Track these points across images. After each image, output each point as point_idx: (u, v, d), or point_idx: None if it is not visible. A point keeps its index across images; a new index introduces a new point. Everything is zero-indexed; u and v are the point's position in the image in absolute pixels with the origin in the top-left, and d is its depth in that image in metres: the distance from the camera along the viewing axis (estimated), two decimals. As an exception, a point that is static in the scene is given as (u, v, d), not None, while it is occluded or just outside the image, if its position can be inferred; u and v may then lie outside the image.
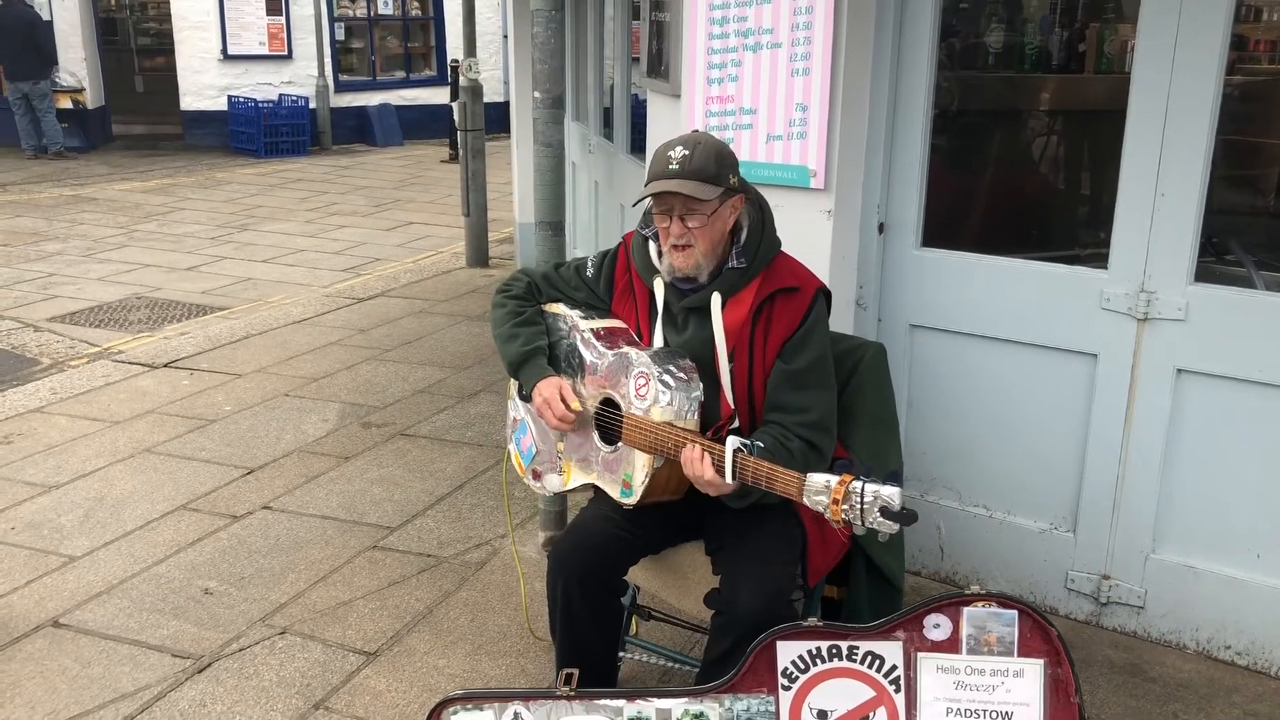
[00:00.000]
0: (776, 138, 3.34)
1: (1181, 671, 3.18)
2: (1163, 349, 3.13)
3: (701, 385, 2.53)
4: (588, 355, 2.70)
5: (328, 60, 16.39)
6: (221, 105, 15.90)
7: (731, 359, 2.56)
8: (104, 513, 4.12)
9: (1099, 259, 3.19)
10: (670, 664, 3.02)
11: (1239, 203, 3.42)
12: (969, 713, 2.35)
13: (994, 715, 2.34)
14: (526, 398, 2.73)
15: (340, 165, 15.08)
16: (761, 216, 2.62)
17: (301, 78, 16.37)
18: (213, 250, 9.45)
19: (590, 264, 2.82)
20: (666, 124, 3.79)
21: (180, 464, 4.60)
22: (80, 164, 14.44)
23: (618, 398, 2.60)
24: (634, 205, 2.65)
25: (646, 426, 2.47)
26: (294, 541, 3.90)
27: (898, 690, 2.37)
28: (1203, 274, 3.08)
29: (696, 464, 2.37)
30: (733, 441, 2.34)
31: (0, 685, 3.04)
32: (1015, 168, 3.48)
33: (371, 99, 17.21)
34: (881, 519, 2.15)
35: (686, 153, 2.47)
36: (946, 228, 3.48)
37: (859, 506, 2.16)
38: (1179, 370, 3.12)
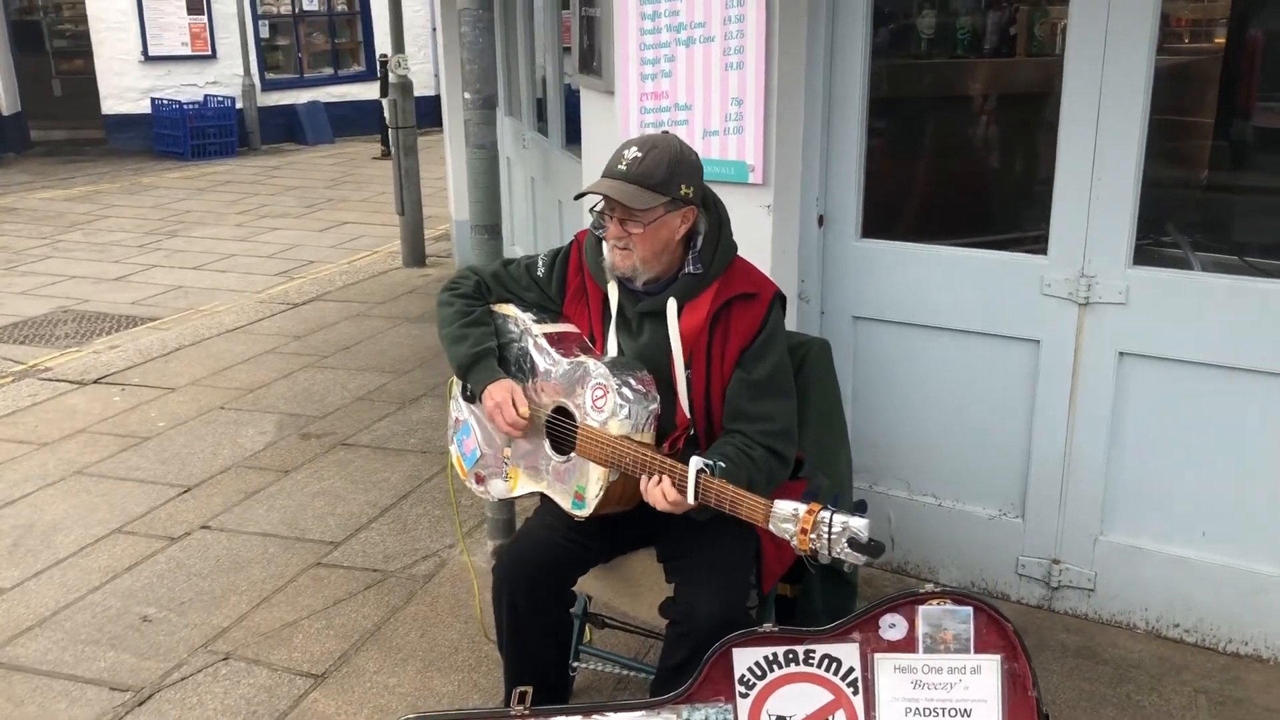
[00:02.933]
0: (713, 133, 3.30)
1: (1133, 652, 3.20)
2: (1104, 333, 3.13)
3: (659, 398, 2.48)
4: (541, 361, 2.62)
5: (253, 58, 16.10)
6: (145, 108, 15.55)
7: (688, 366, 2.50)
8: (34, 540, 3.98)
9: (1039, 245, 3.19)
10: (625, 671, 2.98)
11: (1174, 184, 3.44)
12: (928, 711, 2.33)
13: (953, 713, 2.32)
14: (472, 399, 2.66)
15: (270, 166, 14.81)
16: (719, 222, 2.56)
17: (227, 77, 16.06)
18: (141, 259, 9.23)
19: (541, 263, 2.73)
20: (601, 121, 3.73)
21: (114, 485, 4.46)
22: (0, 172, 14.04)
23: (572, 408, 2.53)
24: (575, 199, 2.59)
25: (603, 440, 2.41)
26: (235, 562, 3.80)
27: (856, 692, 2.35)
28: (1141, 257, 3.09)
29: (656, 495, 2.31)
30: (696, 462, 2.27)
31: (-71, 730, 2.92)
32: (954, 155, 3.47)
33: (300, 97, 16.94)
34: (849, 550, 2.10)
35: (639, 155, 2.39)
36: (886, 218, 3.46)
37: (827, 537, 2.11)
38: (1121, 353, 3.13)
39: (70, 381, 5.86)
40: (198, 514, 4.18)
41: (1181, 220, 3.35)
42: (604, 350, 2.61)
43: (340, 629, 3.37)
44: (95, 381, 5.84)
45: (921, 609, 2.31)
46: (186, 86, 15.67)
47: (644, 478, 2.33)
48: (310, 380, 5.77)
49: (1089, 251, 3.10)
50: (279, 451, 4.79)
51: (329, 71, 17.55)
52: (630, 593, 2.74)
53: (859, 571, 2.95)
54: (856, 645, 2.34)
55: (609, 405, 2.42)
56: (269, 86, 16.61)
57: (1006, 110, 3.40)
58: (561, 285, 2.68)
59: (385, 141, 13.89)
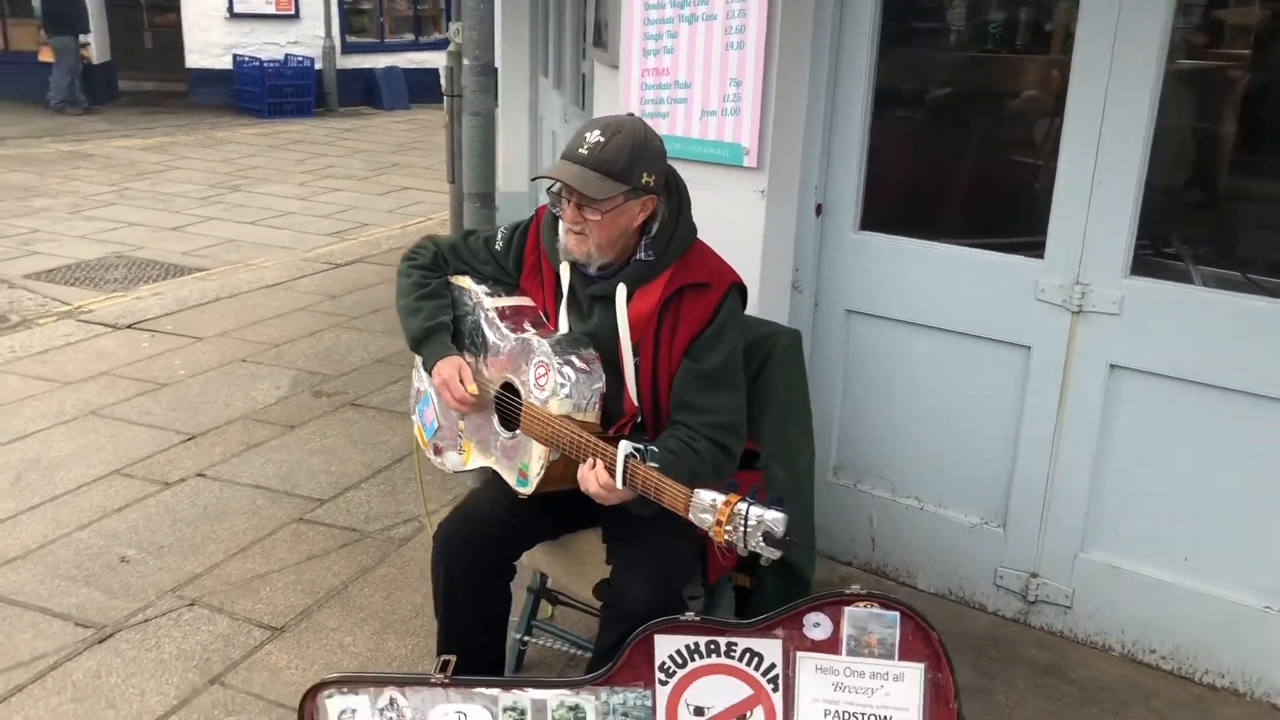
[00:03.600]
0: (711, 113, 3.24)
1: (1104, 674, 3.10)
2: (1096, 343, 3.02)
3: (604, 376, 2.44)
4: (491, 336, 2.61)
5: (335, 21, 16.30)
6: (227, 64, 15.85)
7: (636, 353, 2.45)
8: (36, 476, 4.09)
9: (1037, 249, 3.08)
10: (576, 650, 2.96)
11: (1183, 193, 3.29)
12: (847, 715, 2.27)
13: (873, 719, 2.26)
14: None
15: (343, 128, 15.01)
16: (679, 208, 2.50)
17: (308, 38, 16.28)
18: (201, 210, 9.41)
19: (500, 237, 2.70)
20: (608, 96, 3.69)
21: (123, 428, 4.56)
22: (83, 120, 14.42)
23: (518, 384, 2.51)
24: (532, 181, 2.55)
25: (544, 418, 2.39)
26: (221, 511, 3.85)
27: (776, 689, 2.30)
28: (1141, 267, 2.97)
29: (589, 479, 2.27)
30: (625, 446, 2.23)
31: (-103, 649, 3.01)
32: (960, 151, 3.36)
33: (379, 61, 17.13)
34: (764, 544, 2.05)
35: (601, 140, 2.33)
36: (886, 211, 3.37)
37: (742, 529, 2.06)
38: (1112, 366, 3.02)
39: (105, 325, 5.99)
40: (196, 462, 4.25)
41: (1186, 231, 3.20)
42: (555, 327, 2.57)
43: (308, 584, 3.40)
44: (129, 326, 5.97)
45: (847, 610, 2.26)
46: (268, 45, 15.93)
47: (584, 464, 2.29)
48: (334, 339, 5.84)
49: (1085, 258, 2.99)
50: (288, 407, 4.85)
51: (409, 38, 17.72)
52: (577, 571, 2.72)
53: (814, 568, 2.90)
54: (779, 642, 2.29)
55: (550, 384, 2.40)
56: (349, 49, 16.81)
57: (1018, 109, 3.28)
58: (519, 260, 2.65)
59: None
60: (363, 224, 9.20)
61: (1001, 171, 3.31)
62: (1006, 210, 3.31)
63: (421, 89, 17.27)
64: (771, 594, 2.80)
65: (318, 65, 16.04)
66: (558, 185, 2.38)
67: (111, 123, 14.33)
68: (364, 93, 16.92)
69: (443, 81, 8.79)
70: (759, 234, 3.25)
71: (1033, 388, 3.15)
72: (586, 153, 2.33)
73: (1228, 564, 2.97)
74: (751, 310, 3.15)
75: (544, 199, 2.53)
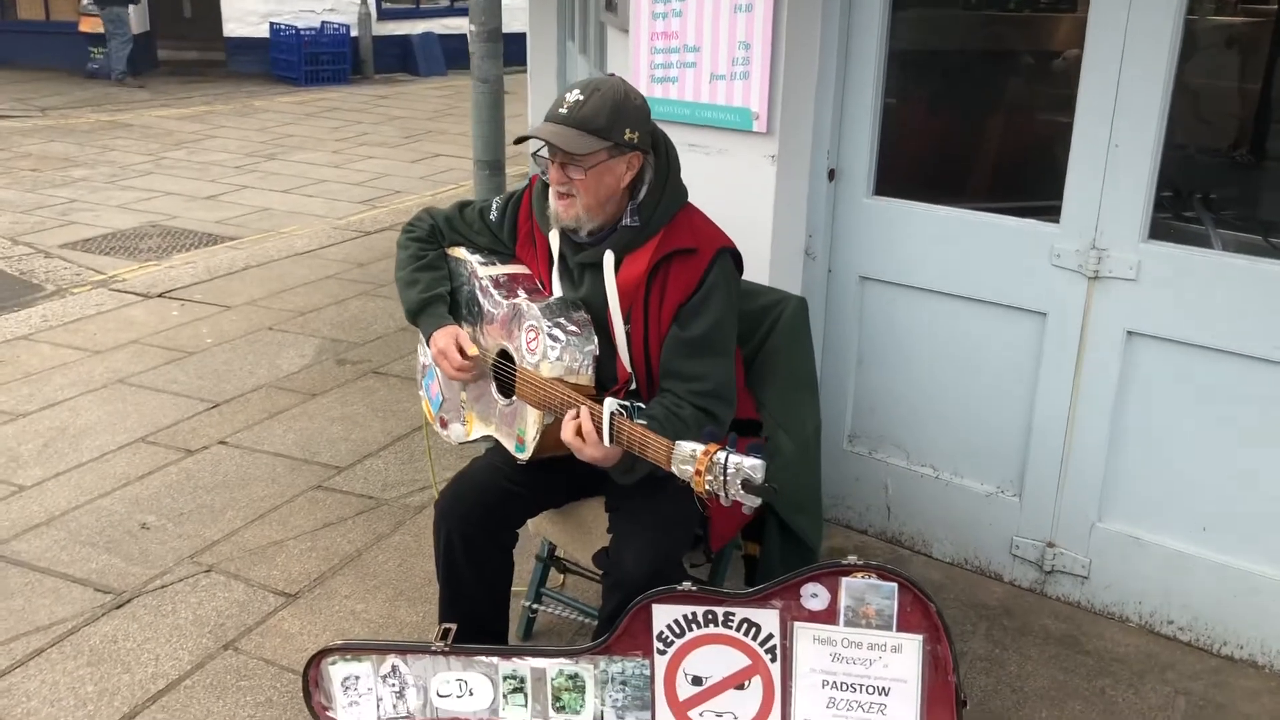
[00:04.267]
0: (720, 77, 3.19)
1: (1120, 645, 3.06)
2: (1112, 310, 2.96)
3: (596, 339, 2.43)
4: (486, 304, 2.60)
5: (371, -13, 16.28)
6: (264, 32, 15.90)
7: (627, 320, 2.43)
8: (63, 443, 4.15)
9: (1053, 213, 3.02)
10: (585, 619, 2.97)
11: (1205, 155, 3.21)
12: (845, 686, 2.26)
13: (870, 690, 2.25)
14: None
15: (379, 95, 15.03)
16: (667, 172, 2.46)
17: (344, 5, 16.29)
18: (236, 179, 9.48)
19: (495, 207, 2.69)
20: (620, 60, 3.65)
21: (149, 396, 4.61)
22: (123, 90, 14.55)
23: (512, 350, 2.51)
24: (515, 143, 2.52)
25: (537, 382, 2.38)
26: (241, 478, 3.90)
27: (774, 660, 2.29)
28: (1160, 231, 2.90)
29: (570, 429, 2.26)
30: (610, 403, 2.23)
31: (-77, 613, 3.08)
32: (976, 113, 3.29)
33: (415, 27, 17.11)
34: (743, 492, 2.03)
35: (580, 98, 2.32)
36: (900, 175, 3.31)
37: (722, 478, 2.04)
38: (1129, 333, 2.95)
39: (137, 294, 6.06)
40: (219, 429, 4.29)
41: (1206, 194, 3.12)
42: (550, 295, 2.56)
43: (323, 551, 3.44)
44: (160, 295, 6.04)
45: (845, 581, 2.24)
46: (304, 13, 15.96)
47: (566, 419, 2.28)
48: (360, 308, 5.86)
49: (1101, 222, 2.92)
50: (312, 375, 4.88)
51: (445, 3, 17.67)
52: (581, 539, 2.72)
53: (823, 537, 2.88)
54: (777, 612, 2.28)
55: (540, 347, 2.39)
56: (385, 16, 16.80)
57: (1035, 69, 3.20)
58: (513, 230, 2.64)
59: (492, 76, 13.96)
60: (394, 191, 9.22)
61: (1018, 134, 3.24)
62: (1023, 173, 3.24)
63: (458, 55, 17.20)
64: (777, 563, 2.79)
65: (353, 32, 16.06)
66: (544, 149, 2.37)
67: (151, 92, 14.45)
68: (400, 59, 16.92)
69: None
70: (770, 200, 3.20)
71: (1049, 355, 3.09)
72: (566, 112, 2.32)
73: (1248, 534, 2.91)
74: (762, 277, 3.14)
75: None
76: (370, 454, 4.11)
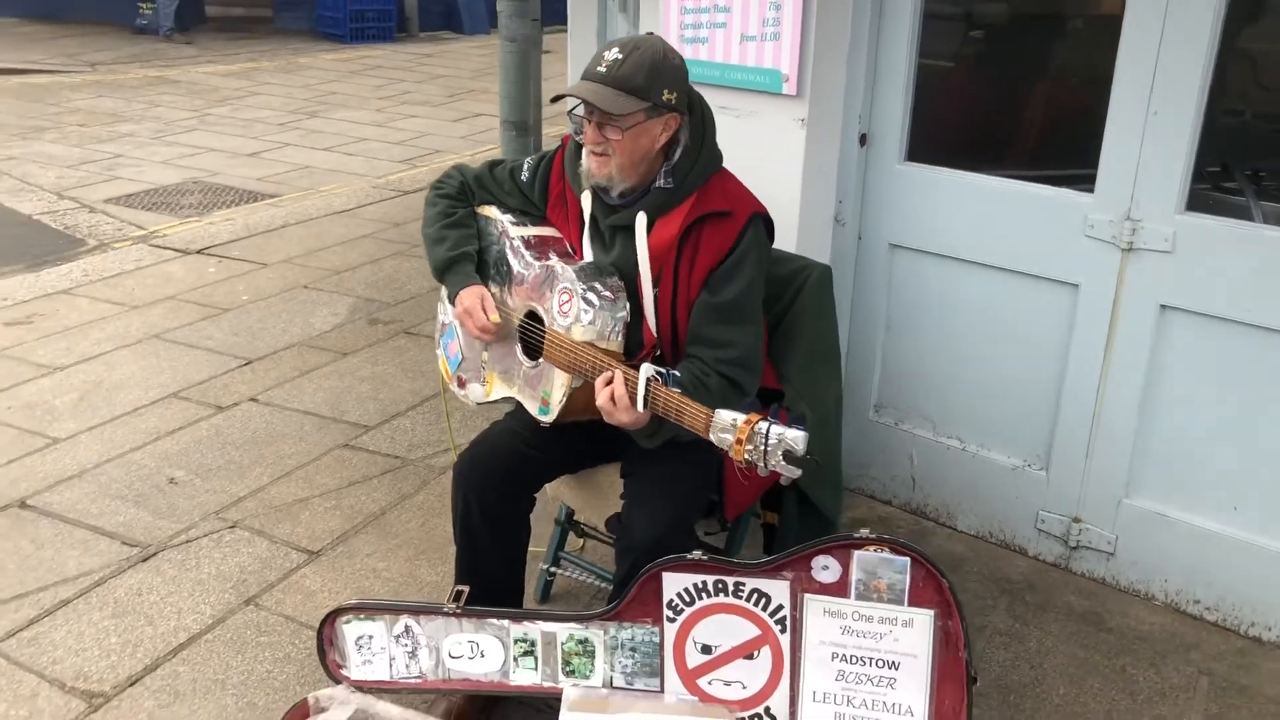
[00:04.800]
0: (750, 38, 3.13)
1: (1144, 624, 3.01)
2: (1146, 282, 2.89)
3: (628, 306, 2.41)
4: (516, 264, 2.59)
5: (415, -57, 16.20)
6: (310, -11, 15.89)
7: (656, 284, 2.41)
8: (98, 397, 4.21)
9: (1088, 182, 2.94)
10: (602, 583, 2.97)
11: (1251, 123, 3.11)
12: (855, 659, 2.24)
13: (880, 664, 2.23)
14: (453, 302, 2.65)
15: (423, 53, 15.00)
16: (703, 133, 2.44)
17: (390, -38, 16.22)
18: (278, 136, 9.51)
19: (526, 167, 2.67)
20: (651, 19, 3.59)
21: (184, 352, 4.66)
22: (170, 45, 14.63)
23: (541, 311, 2.50)
24: (551, 102, 2.50)
25: (567, 345, 2.37)
26: (270, 435, 3.93)
27: (783, 631, 2.27)
28: (1198, 202, 2.82)
29: (604, 396, 2.25)
30: (647, 369, 2.21)
31: (-44, 562, 3.15)
32: (1013, 78, 3.20)
33: (460, -16, 17.00)
34: (784, 463, 2.01)
35: (619, 57, 2.29)
36: (933, 141, 3.24)
37: (763, 448, 2.02)
38: (1162, 306, 2.88)
39: (176, 250, 6.12)
40: (250, 386, 4.33)
41: (1257, 167, 3.02)
42: (581, 258, 2.54)
43: (347, 510, 3.46)
44: (198, 252, 6.09)
45: (857, 554, 2.21)
46: (350, -31, 15.91)
47: (599, 382, 2.27)
48: (395, 267, 5.88)
49: (1137, 193, 2.84)
50: (344, 334, 4.91)
51: (491, -39, 17.54)
52: (597, 503, 2.71)
53: (842, 509, 2.85)
54: (787, 583, 2.26)
55: (574, 310, 2.37)
56: (431, -27, 16.72)
57: (1075, 33, 3.11)
58: (544, 190, 2.62)
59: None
60: (435, 150, 9.21)
61: (1055, 100, 3.15)
62: (1059, 141, 3.16)
63: (503, 13, 17.12)
64: (795, 533, 2.77)
65: (399, -11, 16.01)
66: (580, 108, 2.34)
67: (199, 49, 14.51)
68: (444, 17, 16.85)
69: (512, 6, 8.76)
70: (799, 164, 3.15)
71: (1079, 327, 3.03)
72: (605, 70, 2.29)
73: (1279, 514, 2.85)
74: (790, 244, 3.10)
75: None
76: (398, 414, 4.13)
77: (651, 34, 2.48)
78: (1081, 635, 2.97)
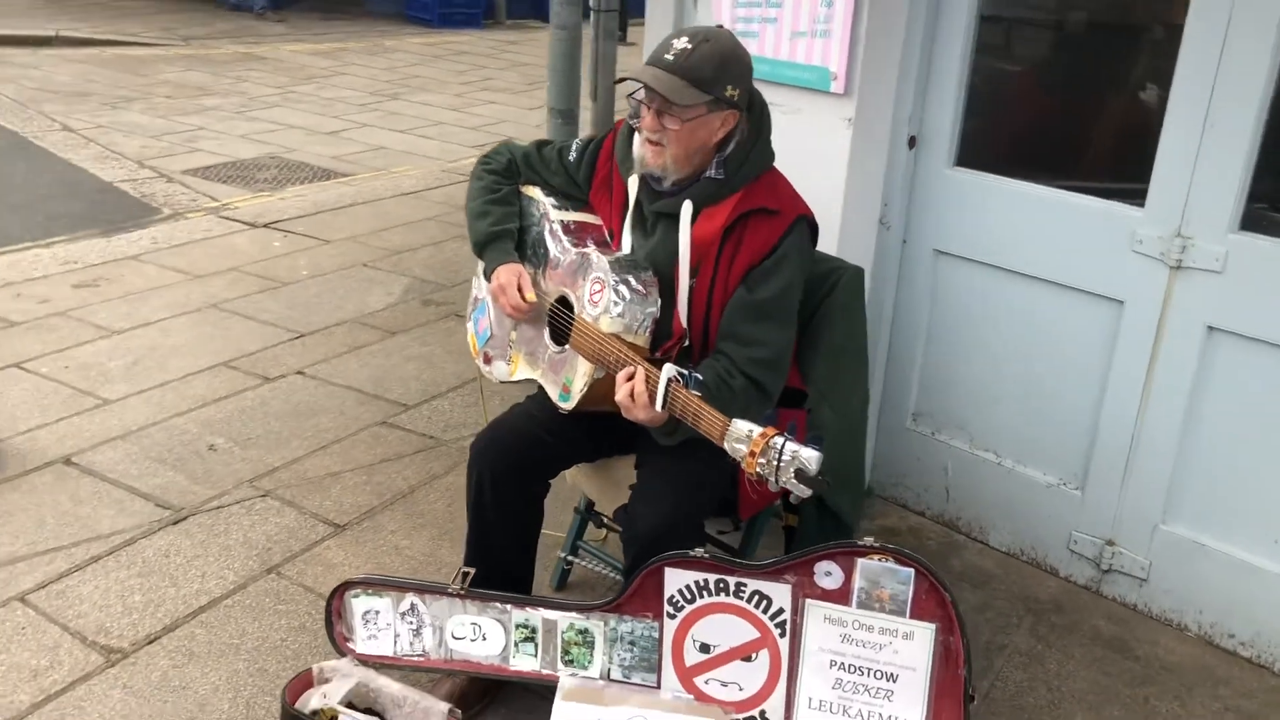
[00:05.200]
0: (800, 35, 3.10)
1: (1173, 654, 2.92)
2: (1193, 302, 2.79)
3: (659, 301, 2.39)
4: (553, 248, 2.59)
5: (507, -69, 16.32)
6: (401, -28, 16.09)
7: (694, 275, 2.40)
8: (151, 361, 4.31)
9: (1139, 196, 2.85)
10: (617, 575, 2.96)
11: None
12: (853, 668, 2.21)
13: (878, 675, 2.19)
14: (488, 278, 2.66)
15: (508, 40, 15.12)
16: (759, 130, 2.42)
17: (481, -52, 16.36)
18: (357, 117, 9.65)
19: (574, 148, 2.67)
20: (705, 13, 3.57)
21: (239, 322, 4.75)
22: (262, 23, 14.94)
23: (573, 298, 2.50)
24: (615, 83, 2.48)
25: (593, 335, 2.36)
26: (311, 409, 3.99)
27: (783, 635, 2.25)
28: (1252, 222, 2.71)
29: (624, 390, 2.24)
30: (669, 370, 2.20)
31: (-2, 512, 3.25)
32: (1069, 85, 3.10)
33: (550, -27, 17.06)
34: (795, 481, 1.98)
35: (688, 47, 2.27)
36: (983, 147, 3.16)
37: (775, 463, 1.99)
38: (1210, 328, 2.78)
39: (244, 223, 6.24)
40: (299, 360, 4.40)
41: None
42: (619, 245, 2.54)
43: (377, 486, 3.50)
44: (265, 225, 6.20)
45: (860, 562, 2.18)
46: (442, -45, 16.09)
47: (620, 376, 2.26)
48: (454, 251, 5.92)
49: (1189, 209, 2.75)
50: (396, 313, 4.96)
51: (581, -49, 17.59)
52: (612, 494, 2.70)
53: (859, 516, 2.80)
54: (789, 587, 2.23)
55: (604, 301, 2.36)
56: (521, -39, 16.82)
57: (1134, 42, 3.01)
58: (590, 172, 2.61)
59: (622, 25, 13.91)
60: (509, 136, 9.25)
61: (1110, 110, 3.06)
62: (1112, 152, 3.06)
63: (590, 3, 17.15)
64: (812, 537, 2.72)
65: (489, -24, 16.14)
66: (641, 92, 2.33)
67: (289, 27, 14.79)
68: (533, 5, 16.92)
69: (590, -5, 8.78)
70: (844, 164, 3.11)
71: (1123, 345, 2.94)
72: (673, 59, 2.27)
73: (1321, 551, 2.74)
74: (832, 245, 3.06)
75: None
76: (438, 394, 4.17)
77: (721, 27, 2.44)
78: (1106, 661, 2.88)
